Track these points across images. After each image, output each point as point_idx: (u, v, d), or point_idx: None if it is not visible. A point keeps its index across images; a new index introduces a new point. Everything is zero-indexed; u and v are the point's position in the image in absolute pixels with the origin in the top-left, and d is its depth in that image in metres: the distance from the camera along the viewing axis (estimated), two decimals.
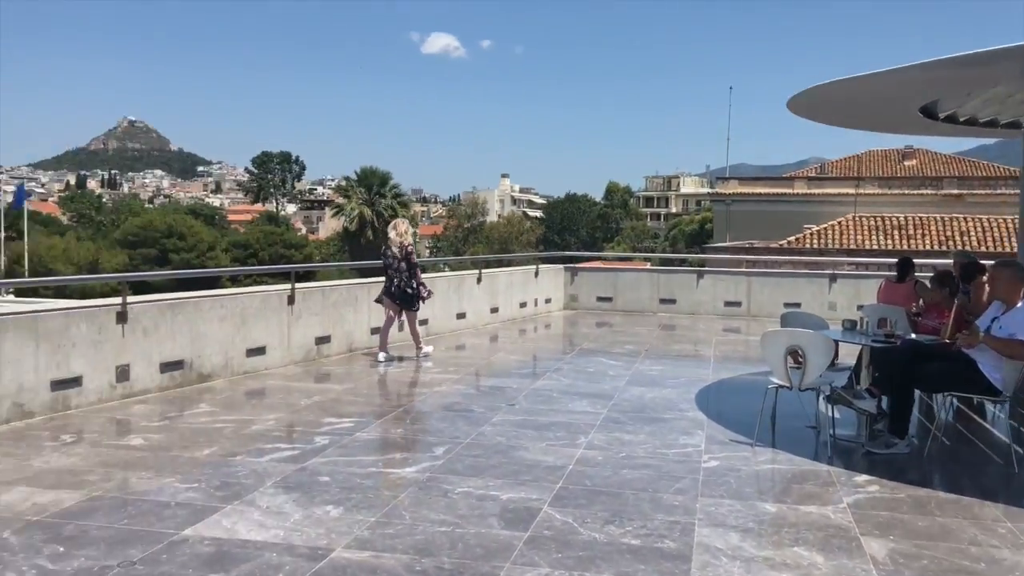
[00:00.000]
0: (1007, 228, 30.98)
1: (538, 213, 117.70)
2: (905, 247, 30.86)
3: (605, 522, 4.97)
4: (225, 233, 75.41)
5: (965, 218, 33.53)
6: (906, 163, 47.07)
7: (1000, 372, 6.35)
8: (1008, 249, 28.26)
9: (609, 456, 6.49)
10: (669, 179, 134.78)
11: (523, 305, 16.31)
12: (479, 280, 14.85)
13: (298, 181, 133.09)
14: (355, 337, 11.61)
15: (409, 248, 10.76)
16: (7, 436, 6.82)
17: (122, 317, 8.22)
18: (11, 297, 19.86)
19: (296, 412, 7.98)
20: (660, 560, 4.41)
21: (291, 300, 10.51)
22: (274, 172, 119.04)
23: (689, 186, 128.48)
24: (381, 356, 10.76)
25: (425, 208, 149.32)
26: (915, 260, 10.26)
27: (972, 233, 32.16)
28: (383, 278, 11.05)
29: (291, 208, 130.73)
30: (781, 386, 6.98)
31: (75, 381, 7.76)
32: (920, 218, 34.09)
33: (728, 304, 17.08)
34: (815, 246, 32.19)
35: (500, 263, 18.40)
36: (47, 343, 7.53)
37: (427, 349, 11.16)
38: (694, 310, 17.16)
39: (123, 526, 4.78)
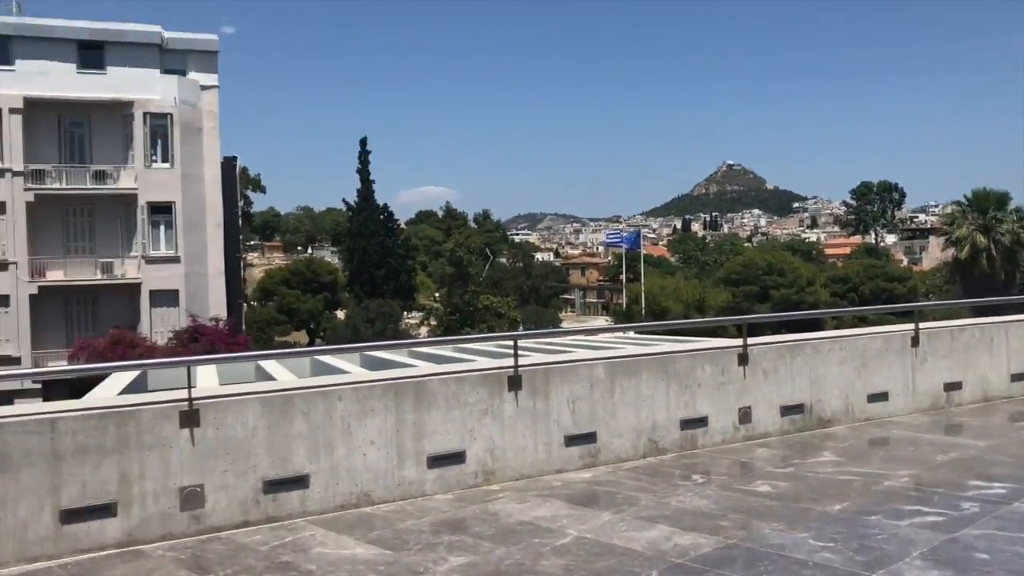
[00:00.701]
0: None
1: None
2: None
3: None
4: (823, 268, 74.77)
5: None
6: None
7: None
8: None
9: None
10: None
11: None
12: None
13: (898, 210, 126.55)
14: (991, 384, 10.15)
15: None
16: (644, 470, 7.27)
17: (743, 359, 8.28)
18: (632, 335, 22.02)
19: (931, 469, 7.13)
20: None
21: (915, 342, 9.58)
22: (873, 203, 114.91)
23: None
24: None
25: None
26: None
27: None
28: None
29: (890, 239, 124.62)
30: None
31: (701, 421, 8.01)
32: None
33: None
34: None
35: None
36: (676, 383, 7.91)
37: None
38: None
39: None
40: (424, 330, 61.61)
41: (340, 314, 66.54)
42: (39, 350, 35.55)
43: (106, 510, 5.44)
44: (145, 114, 36.64)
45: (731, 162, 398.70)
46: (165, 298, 37.11)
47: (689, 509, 6.07)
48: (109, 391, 12.35)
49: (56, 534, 5.32)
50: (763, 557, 4.98)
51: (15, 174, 35.19)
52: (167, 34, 38.61)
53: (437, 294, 67.35)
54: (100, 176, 36.81)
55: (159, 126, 37.09)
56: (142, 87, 36.80)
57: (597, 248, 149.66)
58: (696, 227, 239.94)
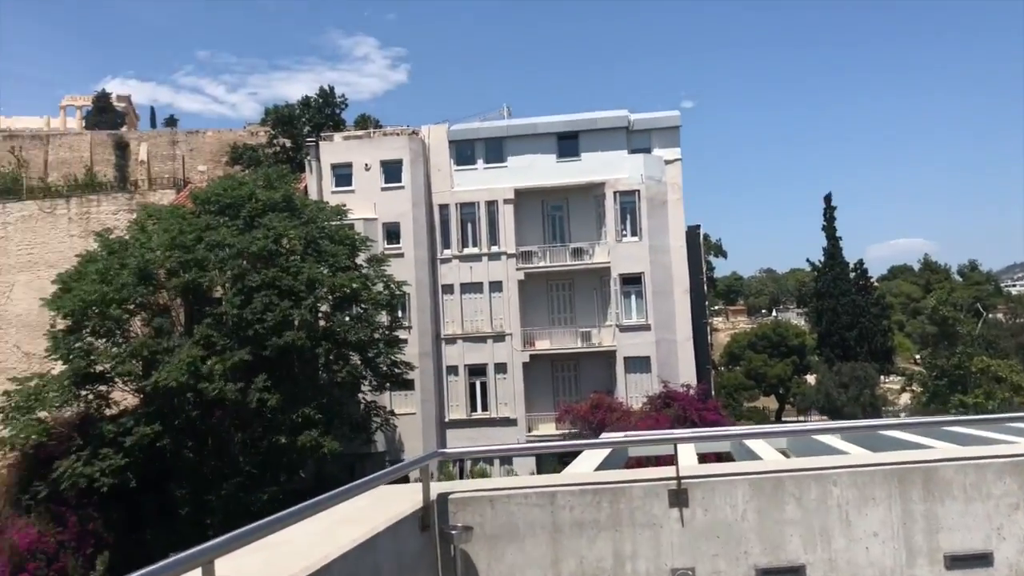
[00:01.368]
0: None
1: None
2: None
3: None
4: None
5: None
6: None
7: None
8: None
9: None
10: None
11: None
12: None
13: None
14: None
15: None
16: None
17: None
18: None
19: None
20: None
21: None
22: None
23: None
24: None
25: None
26: None
27: None
28: None
29: None
30: None
31: None
32: None
33: None
34: None
35: None
36: None
37: None
38: None
39: None
40: (905, 397, 56.44)
41: (810, 378, 63.92)
42: (531, 412, 39.37)
43: None
44: (615, 193, 39.30)
45: None
46: (638, 364, 38.85)
47: None
48: (589, 461, 12.90)
49: None
50: None
51: (508, 256, 39.93)
52: (632, 116, 41.21)
53: (918, 356, 61.55)
54: (578, 253, 40.18)
55: (628, 203, 39.50)
56: (612, 168, 39.63)
57: None
58: None
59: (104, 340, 31.62)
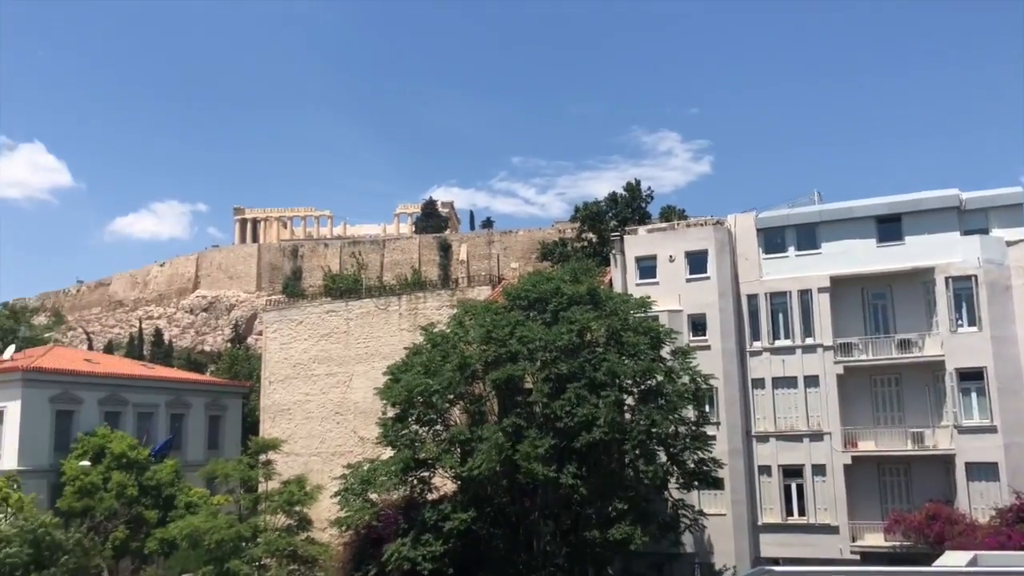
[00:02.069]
0: None
1: None
2: None
3: None
4: None
5: None
6: None
7: None
8: None
9: None
10: None
11: None
12: None
13: None
14: None
15: None
16: None
17: None
18: None
19: None
20: None
21: None
22: None
23: None
24: None
25: None
26: None
27: None
28: None
29: None
30: None
31: None
32: None
33: None
34: None
35: None
36: None
37: None
38: None
39: None
40: None
41: None
42: (854, 520, 35.90)
43: None
44: (947, 279, 35.59)
45: None
46: (982, 471, 34.22)
47: None
48: None
49: None
50: None
51: (825, 348, 37.32)
52: (964, 195, 37.46)
53: None
54: (905, 345, 36.61)
55: (963, 289, 35.55)
56: (942, 252, 36.05)
57: None
58: None
59: (427, 428, 33.70)
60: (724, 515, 36.90)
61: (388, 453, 34.30)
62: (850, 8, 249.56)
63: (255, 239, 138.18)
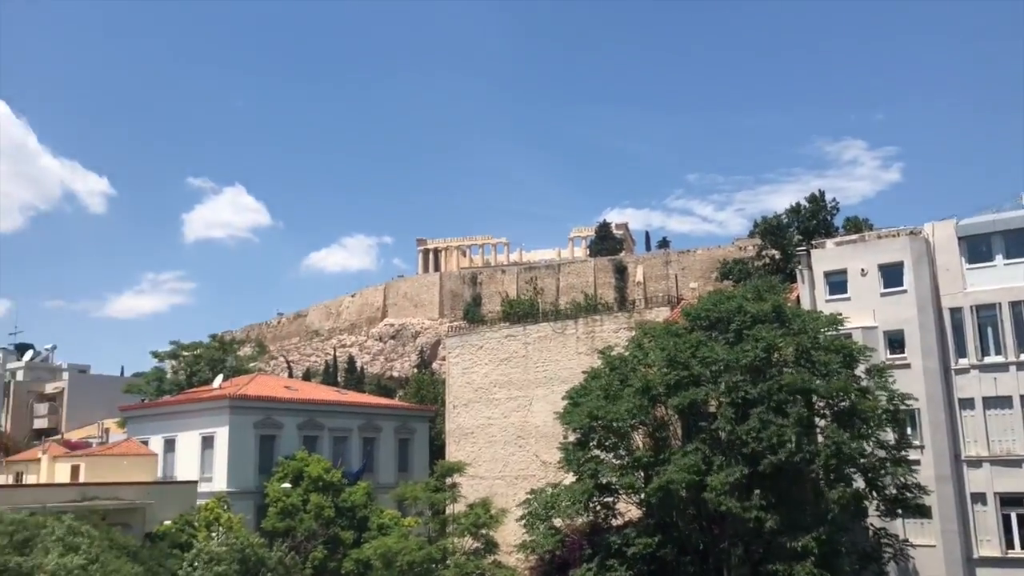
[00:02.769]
0: None
1: None
2: None
3: None
4: None
5: None
6: None
7: None
8: None
9: None
10: None
11: None
12: None
13: None
14: None
15: None
16: None
17: None
18: None
19: None
20: None
21: None
22: None
23: None
24: None
25: None
26: None
27: None
28: None
29: None
30: None
31: None
32: None
33: None
34: None
35: None
36: None
37: None
38: None
39: None
40: None
41: None
42: None
43: None
44: None
45: None
46: None
47: None
48: None
49: None
50: None
51: None
52: None
53: None
54: None
55: None
56: None
57: None
58: None
59: (609, 453, 33.29)
60: (934, 546, 34.17)
61: (570, 478, 34.15)
62: None
63: (437, 268, 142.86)
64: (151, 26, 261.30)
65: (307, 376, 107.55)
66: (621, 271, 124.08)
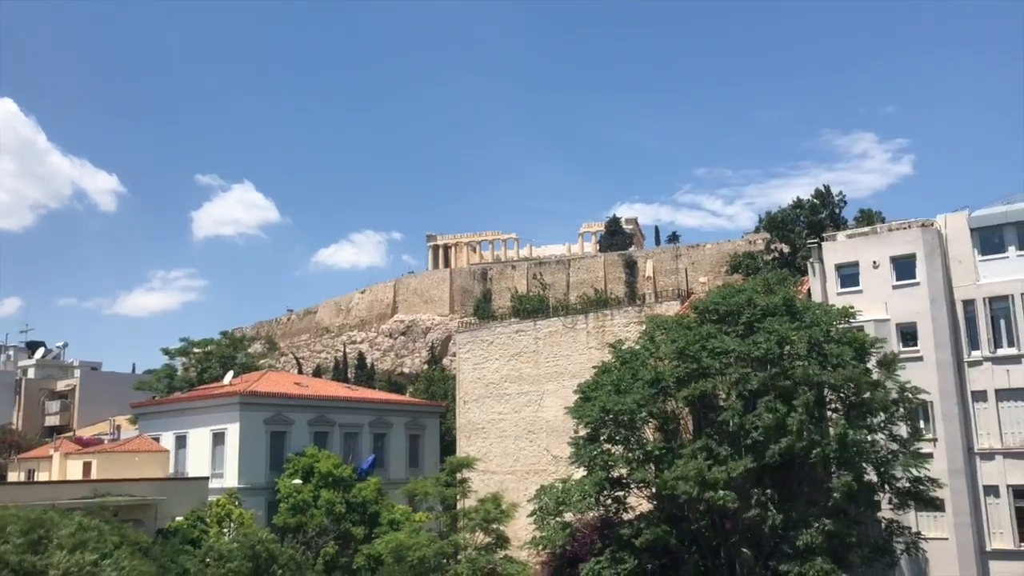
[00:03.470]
0: None
1: None
2: None
3: None
4: None
5: None
6: None
7: None
8: None
9: None
10: None
11: None
12: None
13: None
14: None
15: None
16: None
17: None
18: None
19: None
20: None
21: None
22: None
23: None
24: None
25: None
26: None
27: None
28: None
29: None
30: None
31: None
32: None
33: None
34: None
35: None
36: None
37: None
38: None
39: None
40: None
41: None
42: None
43: None
44: None
45: None
46: None
47: None
48: None
49: None
50: None
51: None
52: None
53: None
54: None
55: None
56: None
57: None
58: None
59: (619, 447, 33.20)
60: (946, 539, 34.00)
61: (581, 472, 34.08)
62: None
63: (447, 264, 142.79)
64: (160, 24, 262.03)
65: (317, 373, 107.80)
66: (631, 266, 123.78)
